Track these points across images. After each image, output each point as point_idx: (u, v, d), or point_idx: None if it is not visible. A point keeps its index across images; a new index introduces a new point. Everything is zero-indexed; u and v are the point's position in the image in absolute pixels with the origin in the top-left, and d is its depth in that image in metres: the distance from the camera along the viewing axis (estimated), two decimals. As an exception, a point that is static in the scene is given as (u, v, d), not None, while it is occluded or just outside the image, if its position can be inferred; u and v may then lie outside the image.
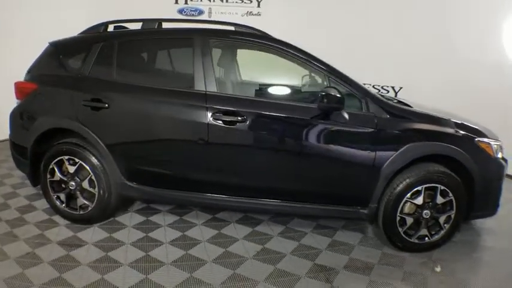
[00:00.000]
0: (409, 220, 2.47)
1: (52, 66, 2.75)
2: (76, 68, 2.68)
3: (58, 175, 2.70)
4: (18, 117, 2.80)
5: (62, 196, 2.73)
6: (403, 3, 4.69)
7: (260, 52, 2.63)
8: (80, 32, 2.87)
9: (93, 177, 2.63)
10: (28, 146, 2.72)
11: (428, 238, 2.51)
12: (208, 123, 2.41)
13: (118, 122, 2.56)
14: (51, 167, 2.69)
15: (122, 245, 2.54)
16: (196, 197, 2.61)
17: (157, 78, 2.68)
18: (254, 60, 2.77)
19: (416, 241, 2.51)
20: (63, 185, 2.73)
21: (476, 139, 2.45)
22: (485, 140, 2.46)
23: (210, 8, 5.04)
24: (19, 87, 2.79)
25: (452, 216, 2.47)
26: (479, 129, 2.54)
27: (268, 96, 2.67)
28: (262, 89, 2.79)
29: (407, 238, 2.50)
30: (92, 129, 2.56)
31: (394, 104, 2.56)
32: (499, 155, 2.49)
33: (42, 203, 3.04)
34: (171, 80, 2.62)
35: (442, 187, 2.41)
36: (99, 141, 2.56)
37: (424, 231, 2.49)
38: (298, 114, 2.40)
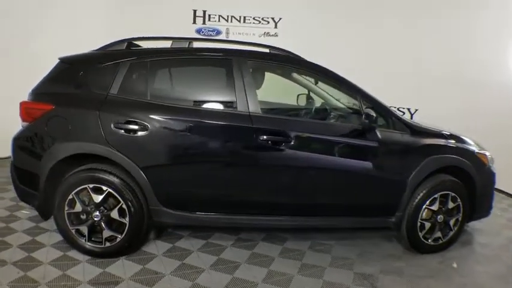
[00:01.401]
0: (427, 225, 2.80)
1: (70, 85, 2.49)
2: (102, 87, 2.47)
3: (79, 206, 2.43)
4: (27, 142, 2.47)
5: (83, 229, 2.47)
6: (420, 27, 4.90)
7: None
8: (98, 48, 2.65)
9: (123, 206, 2.43)
10: (42, 174, 2.40)
11: (441, 240, 2.87)
12: (255, 145, 2.45)
13: (157, 145, 2.44)
14: (70, 197, 2.42)
15: (162, 276, 2.39)
16: (237, 218, 2.60)
17: (194, 99, 2.61)
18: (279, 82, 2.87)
19: (432, 243, 2.85)
20: (84, 217, 2.46)
21: (476, 151, 2.91)
22: (482, 151, 2.94)
23: (227, 29, 5.05)
24: (28, 108, 2.46)
25: (460, 218, 2.87)
26: (473, 142, 3.02)
27: (306, 116, 2.80)
28: (297, 109, 2.91)
29: (425, 241, 2.83)
30: (126, 154, 2.38)
31: (413, 122, 2.90)
32: (491, 164, 2.99)
33: (47, 238, 2.71)
34: (210, 101, 2.57)
35: (453, 194, 2.79)
36: (135, 166, 2.39)
37: (438, 234, 2.84)
38: (338, 134, 2.58)
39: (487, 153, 2.96)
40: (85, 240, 2.48)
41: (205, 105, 2.51)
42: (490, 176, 2.97)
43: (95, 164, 2.45)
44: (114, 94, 2.45)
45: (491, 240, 3.16)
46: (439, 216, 2.81)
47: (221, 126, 2.46)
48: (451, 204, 2.82)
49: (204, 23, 5.13)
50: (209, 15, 5.14)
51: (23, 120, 2.49)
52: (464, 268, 2.71)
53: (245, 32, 5.15)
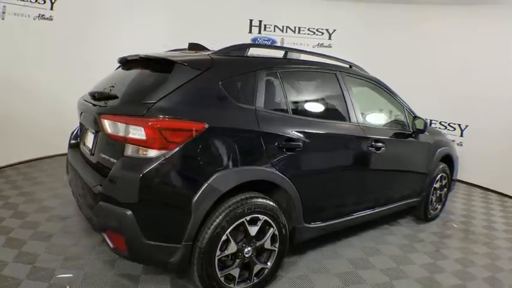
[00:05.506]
0: (434, 199, 3.79)
1: (210, 97, 2.01)
2: (245, 100, 2.14)
3: (234, 246, 2.06)
4: (168, 176, 1.84)
5: (234, 271, 2.10)
6: (471, 45, 4.95)
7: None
8: (218, 50, 2.26)
9: (276, 232, 2.22)
10: (195, 215, 1.88)
11: (438, 209, 3.93)
12: (367, 152, 2.76)
13: (310, 162, 2.39)
14: (224, 237, 2.01)
15: None
16: (350, 219, 2.84)
17: (322, 113, 2.62)
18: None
19: (433, 212, 3.87)
20: (233, 257, 2.09)
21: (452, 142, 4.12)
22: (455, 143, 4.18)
23: (282, 39, 4.71)
24: (167, 129, 1.81)
25: (446, 192, 4.00)
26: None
27: (385, 125, 3.23)
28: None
29: (431, 211, 3.82)
30: (287, 174, 2.22)
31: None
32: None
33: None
34: (332, 113, 2.66)
35: (445, 175, 3.88)
36: (293, 186, 2.23)
37: (438, 205, 3.89)
38: (403, 138, 3.20)
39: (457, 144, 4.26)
40: (234, 284, 2.11)
41: (330, 118, 2.60)
42: (457, 160, 4.25)
43: (250, 192, 2.12)
44: (261, 108, 2.18)
45: (454, 206, 4.50)
46: (438, 192, 3.85)
47: (351, 137, 2.67)
48: (444, 182, 3.91)
49: (259, 32, 5.03)
50: (265, 25, 5.02)
51: (154, 146, 1.80)
52: (461, 226, 3.84)
53: (299, 43, 5.11)
